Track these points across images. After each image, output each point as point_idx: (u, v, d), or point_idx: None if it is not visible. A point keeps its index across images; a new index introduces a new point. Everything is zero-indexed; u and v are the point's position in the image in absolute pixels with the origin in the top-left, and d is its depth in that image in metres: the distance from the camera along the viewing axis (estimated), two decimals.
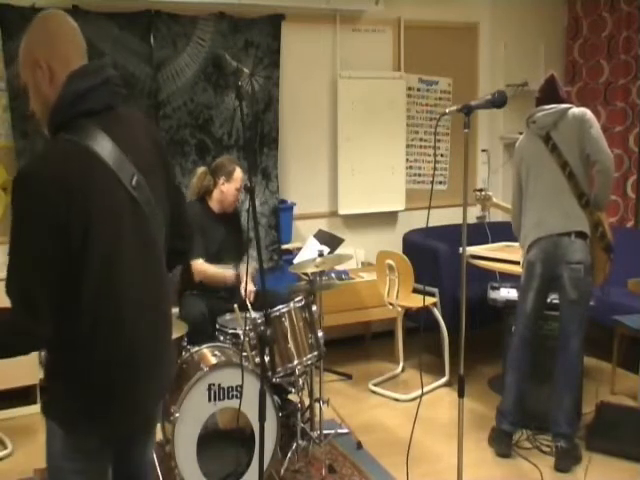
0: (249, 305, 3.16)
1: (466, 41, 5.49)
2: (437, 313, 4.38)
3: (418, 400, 3.21)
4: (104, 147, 1.63)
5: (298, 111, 4.94)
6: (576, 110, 3.36)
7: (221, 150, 4.60)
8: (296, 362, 3.14)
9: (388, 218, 5.34)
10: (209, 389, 2.90)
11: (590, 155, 3.30)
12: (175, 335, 2.78)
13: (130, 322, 1.68)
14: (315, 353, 3.23)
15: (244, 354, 3.08)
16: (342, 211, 5.12)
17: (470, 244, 3.62)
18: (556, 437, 3.41)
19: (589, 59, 5.58)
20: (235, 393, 2.93)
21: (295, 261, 3.93)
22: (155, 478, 2.90)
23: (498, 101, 2.53)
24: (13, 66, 4.00)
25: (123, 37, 4.29)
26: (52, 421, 1.70)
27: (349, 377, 4.59)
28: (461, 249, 2.61)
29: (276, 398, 3.18)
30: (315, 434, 3.43)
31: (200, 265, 3.64)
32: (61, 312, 1.60)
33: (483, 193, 3.99)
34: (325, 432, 3.46)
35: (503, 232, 4.26)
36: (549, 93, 3.45)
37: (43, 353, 1.74)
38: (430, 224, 2.87)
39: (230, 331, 3.35)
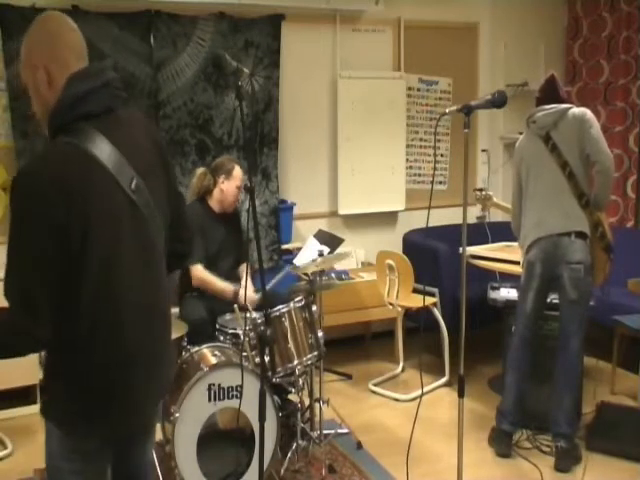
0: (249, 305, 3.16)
1: (466, 41, 5.49)
2: (437, 313, 4.38)
3: (418, 400, 3.21)
4: (103, 150, 1.63)
5: (298, 111, 4.94)
6: (576, 110, 3.36)
7: (221, 150, 4.60)
8: (296, 362, 3.14)
9: (388, 218, 5.34)
10: (209, 389, 2.90)
11: (590, 155, 3.30)
12: (175, 335, 2.78)
13: (129, 324, 1.68)
14: (315, 353, 3.23)
15: (244, 354, 3.08)
16: (342, 211, 5.12)
17: (470, 244, 3.62)
18: (556, 437, 3.41)
19: (589, 59, 5.58)
20: (235, 393, 2.93)
21: (295, 261, 3.92)
22: (155, 478, 2.90)
23: (498, 101, 2.53)
24: (13, 66, 4.00)
25: (123, 37, 4.29)
26: (51, 422, 1.71)
27: (349, 377, 4.59)
28: (461, 249, 2.61)
29: (276, 398, 3.18)
30: (315, 434, 3.43)
31: (199, 272, 3.62)
32: (60, 314, 1.59)
33: (483, 193, 3.99)
34: (325, 432, 3.46)
35: (503, 232, 4.26)
36: (549, 93, 3.45)
37: (43, 353, 1.73)
38: (430, 224, 2.87)
39: (230, 331, 3.35)
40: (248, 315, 3.08)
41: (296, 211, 4.92)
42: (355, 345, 5.14)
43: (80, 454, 1.71)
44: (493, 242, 4.53)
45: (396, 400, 4.21)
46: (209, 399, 2.91)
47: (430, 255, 4.57)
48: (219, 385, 2.92)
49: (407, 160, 5.32)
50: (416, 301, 4.10)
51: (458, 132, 5.36)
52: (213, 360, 3.04)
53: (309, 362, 3.21)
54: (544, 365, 3.55)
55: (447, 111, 2.61)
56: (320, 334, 3.29)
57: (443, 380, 4.41)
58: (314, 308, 3.29)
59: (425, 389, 4.22)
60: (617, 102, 5.36)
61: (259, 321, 3.02)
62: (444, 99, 5.45)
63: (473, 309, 3.77)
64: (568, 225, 3.35)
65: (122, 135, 1.69)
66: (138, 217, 1.69)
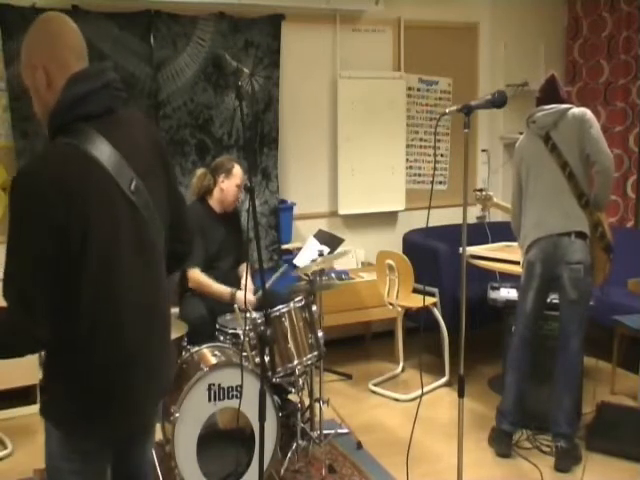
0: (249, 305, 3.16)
1: (466, 41, 5.49)
2: (437, 313, 4.37)
3: (418, 400, 3.21)
4: (103, 151, 1.63)
5: (298, 111, 4.94)
6: (576, 110, 3.36)
7: (221, 150, 4.60)
8: (296, 362, 3.14)
9: (388, 218, 5.34)
10: (209, 389, 2.90)
11: (590, 155, 3.30)
12: (175, 335, 2.79)
13: (128, 325, 1.68)
14: (315, 353, 3.23)
15: (244, 354, 3.08)
16: (342, 211, 5.12)
17: (470, 244, 3.62)
18: (556, 437, 3.41)
19: (589, 59, 5.58)
20: (235, 393, 2.92)
21: (295, 261, 3.93)
22: (155, 478, 2.90)
23: (498, 101, 2.53)
24: (13, 66, 4.00)
25: (123, 37, 4.29)
26: (50, 422, 1.71)
27: (349, 377, 4.59)
28: (461, 249, 2.61)
29: (276, 398, 3.18)
30: (315, 434, 3.43)
31: (196, 275, 3.62)
32: (59, 314, 1.60)
33: (484, 193, 3.99)
34: (325, 432, 3.46)
35: (503, 232, 4.26)
36: (549, 93, 3.45)
37: (43, 354, 1.73)
38: (430, 224, 2.87)
39: (230, 331, 3.34)
40: (248, 315, 3.08)
41: (296, 211, 4.92)
42: (355, 345, 5.14)
43: (80, 454, 1.71)
44: (493, 242, 4.53)
45: (396, 400, 4.21)
46: (209, 399, 2.91)
47: (430, 255, 4.57)
48: (219, 385, 2.92)
49: (407, 160, 5.32)
50: (416, 301, 4.10)
51: (458, 132, 5.36)
52: (213, 360, 3.04)
53: (309, 362, 3.21)
54: (544, 365, 3.55)
55: (447, 111, 2.61)
56: (320, 334, 3.28)
57: (443, 380, 4.41)
58: (314, 308, 3.29)
59: (425, 389, 4.22)
60: (617, 102, 5.36)
61: (259, 321, 3.02)
62: (444, 99, 5.45)
63: (473, 309, 3.78)
64: (568, 225, 3.35)
65: (122, 136, 1.69)
66: (137, 218, 1.69)
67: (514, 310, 3.63)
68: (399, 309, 4.38)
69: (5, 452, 3.55)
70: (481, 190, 4.04)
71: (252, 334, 3.11)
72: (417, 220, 5.14)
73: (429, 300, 4.25)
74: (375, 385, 4.41)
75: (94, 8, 4.17)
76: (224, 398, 2.93)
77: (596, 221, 3.39)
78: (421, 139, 5.43)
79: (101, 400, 1.68)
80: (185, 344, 3.23)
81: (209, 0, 4.45)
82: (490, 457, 3.50)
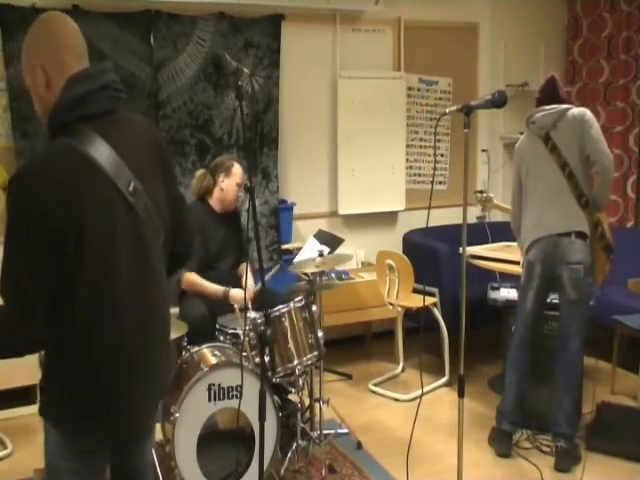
0: (249, 305, 3.16)
1: (466, 41, 5.49)
2: (437, 313, 4.37)
3: (418, 400, 3.21)
4: (101, 152, 1.63)
5: (298, 111, 4.94)
6: (575, 110, 3.36)
7: (221, 150, 4.60)
8: (296, 362, 3.14)
9: (388, 218, 5.34)
10: (209, 389, 2.90)
11: (590, 155, 3.30)
12: (175, 335, 2.79)
13: (126, 325, 1.68)
14: (315, 353, 3.23)
15: (244, 354, 3.08)
16: (342, 211, 5.12)
17: (470, 244, 3.62)
18: (556, 437, 3.41)
19: (589, 59, 5.58)
20: (235, 393, 2.92)
21: (295, 261, 3.92)
22: (155, 478, 2.90)
23: (498, 101, 2.53)
24: (13, 66, 4.00)
25: (123, 37, 4.29)
26: (49, 422, 1.71)
27: (349, 377, 4.59)
28: (461, 249, 2.61)
29: (276, 398, 3.18)
30: (315, 434, 3.43)
31: (190, 276, 3.60)
32: (57, 314, 1.60)
33: (484, 195, 3.99)
34: (325, 432, 3.46)
35: (503, 232, 4.26)
36: (549, 94, 3.45)
37: (42, 353, 1.74)
38: (430, 224, 2.87)
39: (230, 331, 3.34)
40: (248, 315, 3.08)
41: (296, 211, 4.92)
42: (355, 345, 5.14)
43: (78, 454, 1.71)
44: (493, 242, 4.53)
45: (396, 400, 4.21)
46: (209, 399, 2.91)
47: (430, 255, 4.57)
48: (219, 385, 2.92)
49: (407, 160, 5.32)
50: (416, 301, 4.10)
51: (458, 132, 5.37)
52: (213, 360, 3.04)
53: (309, 362, 3.21)
54: (544, 365, 3.55)
55: (447, 111, 2.61)
56: (320, 334, 3.29)
57: (443, 380, 4.41)
58: (314, 308, 3.29)
59: (425, 389, 4.22)
60: (617, 102, 5.36)
61: (259, 321, 3.02)
62: (444, 99, 5.45)
63: (473, 309, 3.77)
64: (568, 225, 3.35)
65: (121, 137, 1.69)
66: (135, 219, 1.69)
67: (514, 310, 3.63)
68: (399, 309, 4.38)
69: (5, 452, 3.55)
70: (482, 192, 4.04)
71: (252, 334, 3.11)
72: (417, 220, 5.14)
73: (429, 300, 4.25)
74: (375, 385, 4.41)
75: (94, 8, 4.17)
76: (224, 398, 2.93)
77: (596, 221, 3.39)
78: (421, 139, 5.43)
79: (100, 400, 1.68)
80: (185, 344, 3.22)
81: (209, 0, 4.45)
82: (490, 457, 3.50)
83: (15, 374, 3.72)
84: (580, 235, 3.34)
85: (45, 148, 1.71)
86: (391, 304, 4.36)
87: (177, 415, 2.82)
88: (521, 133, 3.73)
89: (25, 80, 1.71)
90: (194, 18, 4.49)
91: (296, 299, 3.21)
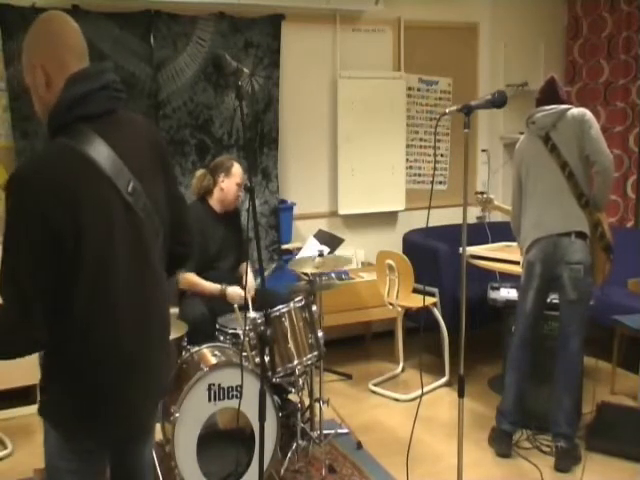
0: (250, 305, 3.15)
1: (466, 41, 5.49)
2: (437, 313, 4.37)
3: (418, 400, 3.21)
4: (101, 153, 1.63)
5: (298, 111, 4.94)
6: (575, 111, 3.36)
7: (221, 150, 4.60)
8: (296, 362, 3.14)
9: (388, 218, 5.34)
10: (209, 389, 2.90)
11: (589, 155, 3.30)
12: (175, 335, 2.79)
13: (124, 325, 1.68)
14: (315, 353, 3.23)
15: (244, 354, 3.08)
16: (342, 211, 5.12)
17: (470, 244, 3.62)
18: (556, 437, 3.42)
19: (589, 59, 5.58)
20: (235, 393, 2.92)
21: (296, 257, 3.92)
22: (155, 478, 2.90)
23: (498, 101, 2.53)
24: (13, 66, 4.00)
25: (123, 37, 4.29)
26: (48, 422, 1.71)
27: (349, 377, 4.59)
28: (461, 249, 2.61)
29: (276, 398, 3.18)
30: (315, 434, 3.43)
31: (188, 276, 3.60)
32: (56, 314, 1.60)
33: (485, 196, 3.99)
34: (325, 432, 3.46)
35: (503, 232, 4.26)
36: (549, 94, 3.45)
37: (42, 354, 1.74)
38: (430, 224, 2.87)
39: (230, 331, 3.34)
40: (248, 315, 3.08)
41: (296, 211, 4.92)
42: (355, 345, 5.14)
43: (78, 454, 1.71)
44: (493, 242, 4.53)
45: (396, 400, 4.21)
46: (209, 399, 2.91)
47: (430, 255, 4.57)
48: (219, 385, 2.92)
49: (407, 160, 5.32)
50: (416, 301, 4.10)
51: (458, 132, 5.37)
52: (213, 360, 3.04)
53: (309, 362, 3.21)
54: (544, 365, 3.55)
55: (447, 111, 2.61)
56: (320, 334, 3.29)
57: (443, 380, 4.41)
58: (314, 308, 3.29)
59: (425, 389, 4.23)
60: (617, 102, 5.36)
61: (259, 321, 3.02)
62: (444, 99, 5.45)
63: (473, 309, 3.78)
64: (568, 225, 3.35)
65: (121, 137, 1.69)
66: (134, 220, 1.69)
67: (514, 310, 3.63)
68: (399, 309, 4.38)
69: (5, 452, 3.55)
70: (482, 193, 4.03)
71: (252, 334, 3.11)
72: (417, 220, 5.14)
73: (429, 300, 4.25)
74: (375, 385, 4.41)
75: (94, 8, 4.17)
76: (224, 398, 2.93)
77: (596, 221, 3.39)
78: (421, 139, 5.43)
79: (99, 400, 1.68)
80: (185, 344, 3.22)
81: (209, 0, 4.45)
82: (490, 457, 3.50)
83: (15, 374, 3.72)
84: (580, 235, 3.34)
85: (44, 148, 1.71)
86: (391, 304, 4.36)
87: (177, 415, 2.82)
88: (521, 133, 3.73)
89: (25, 80, 1.71)
90: (194, 18, 4.49)
91: (296, 299, 3.21)
